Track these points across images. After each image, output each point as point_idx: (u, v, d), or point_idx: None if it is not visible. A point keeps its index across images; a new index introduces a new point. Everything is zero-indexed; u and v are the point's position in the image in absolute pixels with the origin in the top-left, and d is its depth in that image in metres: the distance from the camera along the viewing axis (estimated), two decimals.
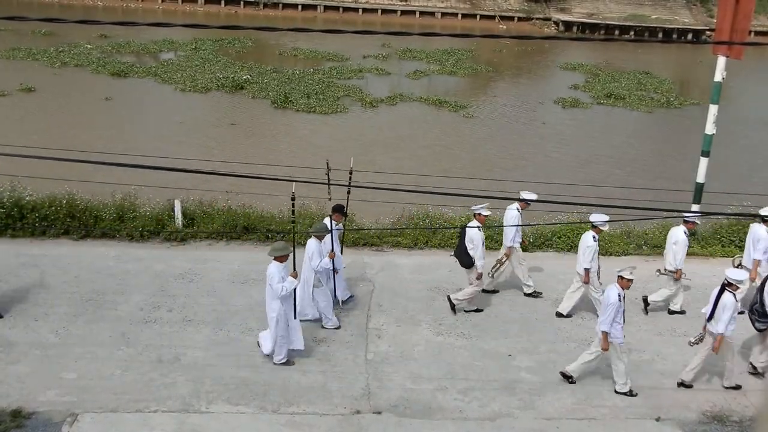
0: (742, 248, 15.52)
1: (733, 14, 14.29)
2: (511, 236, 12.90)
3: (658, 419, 10.27)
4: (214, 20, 46.86)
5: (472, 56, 40.25)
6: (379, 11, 51.29)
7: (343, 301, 12.53)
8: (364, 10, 51.14)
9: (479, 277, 12.33)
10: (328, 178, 11.82)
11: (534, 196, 13.00)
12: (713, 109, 15.27)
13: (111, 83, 30.39)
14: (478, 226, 12.12)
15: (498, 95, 33.21)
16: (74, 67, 32.55)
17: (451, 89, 33.28)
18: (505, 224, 13.10)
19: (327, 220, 12.27)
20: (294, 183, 9.69)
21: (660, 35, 50.31)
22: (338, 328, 11.94)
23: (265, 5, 49.94)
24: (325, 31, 7.02)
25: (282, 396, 10.26)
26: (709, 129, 15.39)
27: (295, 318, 10.80)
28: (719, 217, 15.59)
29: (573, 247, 15.26)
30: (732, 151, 25.11)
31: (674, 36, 50.24)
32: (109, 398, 9.98)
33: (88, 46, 36.26)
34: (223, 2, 50.35)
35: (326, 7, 50.76)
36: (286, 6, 50.24)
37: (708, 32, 49.39)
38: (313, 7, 50.58)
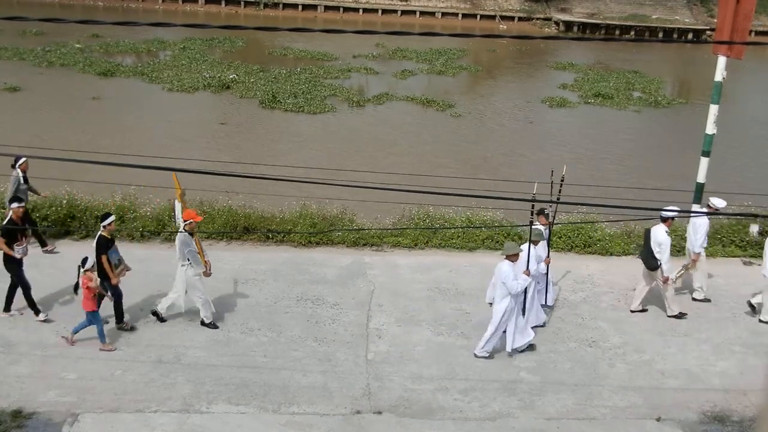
0: (742, 248, 15.60)
1: (734, 14, 14.29)
2: (699, 243, 13.19)
3: (658, 419, 10.26)
4: (214, 20, 46.86)
5: (466, 56, 40.20)
6: (380, 11, 51.29)
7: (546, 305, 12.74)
8: (365, 10, 51.15)
9: (666, 280, 12.64)
10: (560, 184, 12.18)
11: (723, 203, 13.32)
12: (713, 109, 15.22)
13: (98, 83, 30.31)
14: (666, 231, 12.47)
15: (485, 94, 33.09)
16: (60, 67, 32.45)
17: (439, 89, 33.09)
18: (693, 231, 13.27)
19: (537, 225, 12.36)
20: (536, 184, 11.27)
21: (660, 35, 50.31)
22: (543, 325, 12.27)
23: (266, 5, 49.96)
24: (322, 31, 7.02)
25: (282, 396, 10.26)
26: (710, 129, 15.35)
27: (523, 315, 11.31)
28: (720, 217, 15.55)
29: (573, 247, 15.27)
30: (731, 150, 25.08)
31: (675, 36, 50.25)
32: (110, 398, 9.98)
33: (77, 45, 36.18)
34: (223, 2, 50.38)
35: (326, 8, 50.78)
36: (286, 6, 50.27)
37: (708, 32, 49.39)
38: (314, 7, 50.59)
